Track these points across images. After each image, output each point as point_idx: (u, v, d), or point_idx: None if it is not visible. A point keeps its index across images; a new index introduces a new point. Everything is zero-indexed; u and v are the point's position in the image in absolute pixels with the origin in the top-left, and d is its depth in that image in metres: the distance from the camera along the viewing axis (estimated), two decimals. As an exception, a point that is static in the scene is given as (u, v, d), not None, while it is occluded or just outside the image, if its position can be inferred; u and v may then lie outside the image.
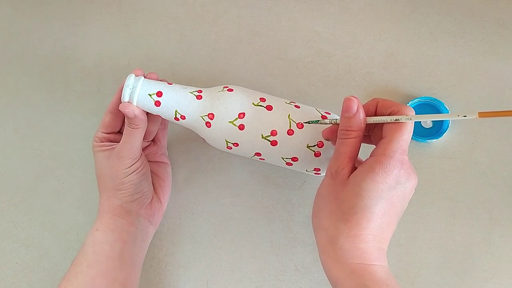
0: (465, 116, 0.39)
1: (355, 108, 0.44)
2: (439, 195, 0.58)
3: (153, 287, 0.60)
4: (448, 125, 0.58)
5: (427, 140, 0.58)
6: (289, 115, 0.50)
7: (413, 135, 0.58)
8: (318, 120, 0.49)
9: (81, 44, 0.67)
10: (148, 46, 0.66)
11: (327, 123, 0.49)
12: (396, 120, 0.42)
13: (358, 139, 0.45)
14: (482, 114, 0.37)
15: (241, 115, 0.49)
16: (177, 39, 0.66)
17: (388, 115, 0.44)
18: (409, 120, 0.42)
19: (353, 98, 0.44)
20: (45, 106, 0.66)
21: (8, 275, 0.61)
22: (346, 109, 0.44)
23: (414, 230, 0.58)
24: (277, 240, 0.60)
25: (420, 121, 0.59)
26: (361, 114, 0.44)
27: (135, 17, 0.67)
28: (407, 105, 0.44)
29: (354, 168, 0.44)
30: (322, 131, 0.49)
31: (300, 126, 0.50)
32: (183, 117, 0.51)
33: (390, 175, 0.41)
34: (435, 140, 0.58)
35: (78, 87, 0.66)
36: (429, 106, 0.59)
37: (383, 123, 0.44)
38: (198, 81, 0.64)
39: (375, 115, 0.45)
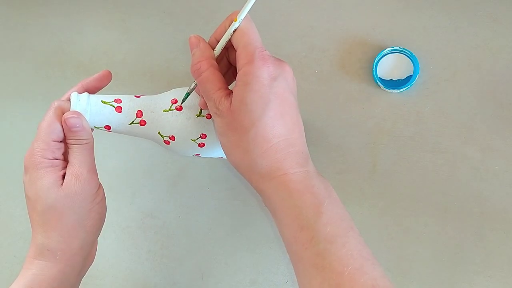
0: None
1: (195, 41, 0.43)
2: (431, 189, 0.59)
3: (149, 280, 0.61)
4: (417, 74, 0.59)
5: (400, 90, 0.59)
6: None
7: (385, 86, 0.59)
8: (187, 93, 0.47)
9: (78, 39, 0.67)
10: (143, 41, 0.66)
11: (192, 88, 0.47)
12: (233, 30, 0.42)
13: (214, 68, 0.42)
14: None
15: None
16: (173, 34, 0.66)
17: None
18: (240, 19, 0.41)
19: (192, 35, 0.43)
20: (42, 100, 0.66)
21: (5, 268, 0.62)
22: (191, 46, 0.43)
23: (406, 224, 0.59)
24: (271, 233, 0.61)
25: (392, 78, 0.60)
26: (204, 44, 0.43)
27: (131, 13, 0.67)
28: (233, 12, 0.43)
29: (228, 95, 0.42)
30: (199, 103, 0.47)
31: (179, 108, 0.48)
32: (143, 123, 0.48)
33: (262, 76, 0.39)
34: (406, 89, 0.59)
35: (74, 82, 0.66)
36: (400, 56, 0.60)
37: (229, 41, 0.43)
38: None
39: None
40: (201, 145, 0.49)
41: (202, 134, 0.48)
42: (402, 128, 0.60)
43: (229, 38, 0.42)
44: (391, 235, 0.59)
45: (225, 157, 0.52)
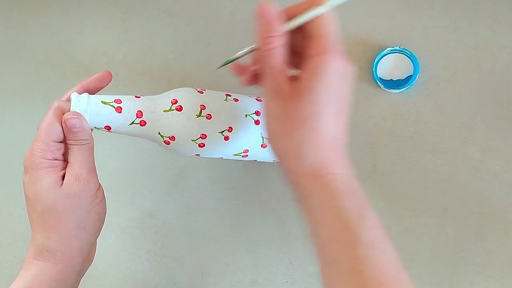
0: None
1: (267, 10, 0.39)
2: (431, 189, 0.59)
3: (149, 280, 0.61)
4: (417, 74, 0.59)
5: (400, 90, 0.59)
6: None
7: (385, 86, 0.59)
8: (231, 59, 0.45)
9: (78, 39, 0.67)
10: (143, 41, 0.66)
11: (245, 53, 0.44)
12: (316, 15, 0.39)
13: (284, 47, 0.40)
14: None
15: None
16: (173, 34, 0.66)
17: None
18: (330, 6, 0.39)
19: (266, 2, 0.40)
20: (42, 100, 0.66)
21: (5, 268, 0.62)
22: (259, 16, 0.39)
23: (406, 224, 0.59)
24: (271, 233, 0.61)
25: (392, 78, 0.60)
26: (279, 15, 0.40)
27: (131, 12, 0.67)
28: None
29: (290, 79, 0.40)
30: (231, 66, 0.45)
31: (179, 109, 0.48)
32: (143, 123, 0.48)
33: (336, 70, 0.38)
34: (406, 89, 0.59)
35: (74, 82, 0.66)
36: (400, 56, 0.60)
37: (303, 24, 0.40)
38: (194, 76, 0.65)
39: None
40: (201, 145, 0.49)
41: (202, 134, 0.48)
42: (402, 128, 0.60)
43: (306, 21, 0.39)
44: (391, 235, 0.58)
45: (225, 157, 0.53)
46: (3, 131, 0.66)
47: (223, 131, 0.49)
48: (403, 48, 0.59)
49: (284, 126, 0.40)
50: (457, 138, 0.59)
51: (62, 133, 0.44)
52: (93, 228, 0.45)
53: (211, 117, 0.48)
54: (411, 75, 0.59)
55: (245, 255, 0.61)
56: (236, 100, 0.51)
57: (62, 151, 0.45)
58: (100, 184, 0.46)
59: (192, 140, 0.48)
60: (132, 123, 0.47)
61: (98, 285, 0.62)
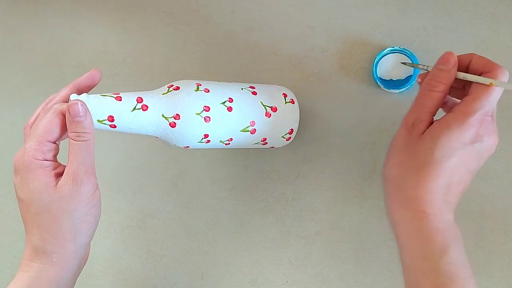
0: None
1: (452, 62, 0.43)
2: (431, 189, 0.59)
3: (149, 280, 0.61)
4: (417, 74, 0.59)
5: (400, 90, 0.59)
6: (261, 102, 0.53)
7: (385, 86, 0.59)
8: (413, 64, 0.51)
9: (77, 39, 0.67)
10: (143, 41, 0.66)
11: (421, 68, 0.49)
12: (488, 82, 0.41)
13: (443, 94, 0.43)
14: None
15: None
16: (172, 34, 0.66)
17: (480, 75, 0.43)
18: (502, 85, 0.41)
19: (453, 53, 0.43)
20: (41, 101, 0.66)
21: (6, 268, 0.62)
22: (442, 61, 0.43)
23: (406, 224, 0.59)
24: (271, 233, 0.61)
25: (392, 78, 0.60)
26: (454, 70, 0.43)
27: (131, 13, 0.67)
28: (501, 67, 0.43)
29: (431, 123, 0.43)
30: (418, 75, 0.48)
31: (177, 88, 0.49)
32: (144, 107, 0.47)
33: (466, 133, 0.41)
34: (406, 89, 0.59)
35: (74, 82, 0.66)
36: (400, 56, 0.60)
37: (472, 81, 0.43)
38: (193, 76, 0.65)
39: (466, 71, 0.44)
40: (207, 120, 0.49)
41: (205, 106, 0.49)
42: (402, 128, 0.60)
43: (474, 81, 0.42)
44: (391, 235, 0.59)
45: (234, 137, 0.52)
46: (3, 131, 0.66)
47: (225, 102, 0.50)
48: (403, 48, 0.59)
49: (400, 157, 0.44)
50: (457, 138, 0.59)
51: (59, 132, 0.44)
52: (88, 230, 0.45)
53: (209, 91, 0.50)
54: (411, 75, 0.59)
55: (245, 255, 0.61)
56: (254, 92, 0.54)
57: (53, 152, 0.44)
58: (97, 185, 0.45)
59: (197, 114, 0.48)
60: (134, 108, 0.47)
61: (98, 285, 0.62)
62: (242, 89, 0.53)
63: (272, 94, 0.55)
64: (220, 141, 0.52)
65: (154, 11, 0.67)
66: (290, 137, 0.56)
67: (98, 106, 0.45)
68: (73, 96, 0.45)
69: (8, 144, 0.66)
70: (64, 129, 0.44)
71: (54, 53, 0.67)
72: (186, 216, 0.62)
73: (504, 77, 0.42)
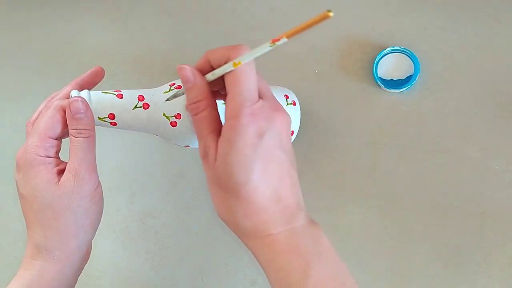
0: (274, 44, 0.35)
1: (190, 75, 0.39)
2: (431, 189, 0.59)
3: (149, 280, 0.61)
4: (418, 74, 0.59)
5: (400, 90, 0.59)
6: None
7: (385, 86, 0.59)
8: (175, 95, 0.46)
9: (78, 39, 0.67)
10: (143, 41, 0.66)
11: (180, 94, 0.45)
12: (232, 66, 0.37)
13: (210, 108, 0.39)
14: (288, 35, 0.34)
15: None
16: (172, 34, 0.66)
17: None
18: (241, 62, 0.36)
19: (184, 66, 0.39)
20: (42, 100, 0.66)
21: (5, 269, 0.62)
22: (183, 80, 0.39)
23: (406, 224, 0.59)
24: (271, 233, 0.61)
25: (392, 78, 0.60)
26: (200, 79, 0.39)
27: (131, 12, 0.67)
28: (241, 44, 0.38)
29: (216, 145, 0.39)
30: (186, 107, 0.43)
31: (178, 87, 0.47)
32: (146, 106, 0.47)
33: (248, 135, 0.36)
34: (407, 89, 0.59)
35: (74, 82, 0.66)
36: (401, 56, 0.60)
37: (223, 74, 0.38)
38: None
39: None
40: None
41: None
42: (403, 128, 0.60)
43: (221, 74, 0.38)
44: (391, 235, 0.59)
45: None
46: (3, 131, 0.66)
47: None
48: (404, 48, 0.59)
49: (216, 195, 0.39)
50: (457, 138, 0.59)
51: (61, 128, 0.43)
52: (91, 227, 0.44)
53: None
54: (411, 75, 0.59)
55: (245, 255, 0.61)
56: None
57: (56, 149, 0.44)
58: (99, 182, 0.45)
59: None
60: (135, 107, 0.46)
61: (98, 285, 0.62)
62: None
63: (274, 95, 0.54)
64: None
65: (154, 11, 0.67)
66: (290, 139, 0.56)
67: (99, 103, 0.45)
68: (74, 93, 0.44)
69: (8, 143, 0.66)
70: (65, 125, 0.43)
71: (54, 53, 0.67)
72: (186, 216, 0.62)
73: (241, 50, 0.37)
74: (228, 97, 0.37)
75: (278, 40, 0.34)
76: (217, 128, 0.39)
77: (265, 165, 0.37)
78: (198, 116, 0.39)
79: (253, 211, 0.38)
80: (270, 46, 0.35)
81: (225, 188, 0.38)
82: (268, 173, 0.38)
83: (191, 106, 0.40)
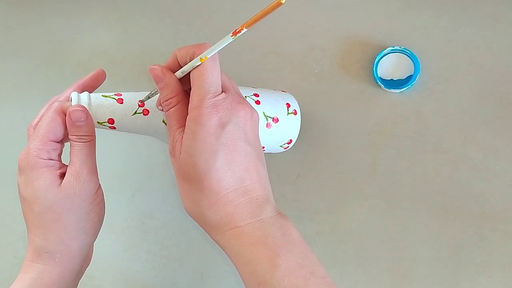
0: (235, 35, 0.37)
1: (161, 74, 0.40)
2: (431, 189, 0.59)
3: (149, 281, 0.61)
4: (418, 74, 0.59)
5: (400, 90, 0.59)
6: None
7: (385, 86, 0.59)
8: (148, 96, 0.46)
9: (77, 39, 0.67)
10: (143, 41, 0.66)
11: (153, 93, 0.45)
12: (199, 61, 0.39)
13: (181, 105, 0.40)
14: (248, 24, 0.36)
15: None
16: (172, 34, 0.66)
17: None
18: (208, 53, 0.38)
19: (155, 66, 0.41)
20: (41, 101, 0.66)
21: (5, 269, 0.62)
22: (156, 80, 0.41)
23: (406, 224, 0.59)
24: (271, 233, 0.60)
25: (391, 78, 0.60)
26: (170, 77, 0.41)
27: (130, 12, 0.67)
28: (199, 44, 0.40)
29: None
30: (139, 100, 0.46)
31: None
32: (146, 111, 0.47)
33: (209, 124, 0.37)
34: (407, 89, 0.59)
35: (74, 82, 0.66)
36: (401, 56, 0.60)
37: (190, 71, 0.40)
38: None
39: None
40: None
41: None
42: (403, 128, 0.60)
43: (190, 71, 0.40)
44: (391, 235, 0.59)
45: None
46: (3, 131, 0.66)
47: None
48: (404, 48, 0.59)
49: (182, 188, 0.40)
50: (458, 138, 0.59)
51: (62, 132, 0.44)
52: (92, 229, 0.45)
53: None
54: (411, 75, 0.59)
55: (245, 255, 0.61)
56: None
57: (58, 152, 0.44)
58: (100, 184, 0.46)
59: None
60: (135, 112, 0.46)
61: (98, 285, 0.62)
62: (246, 97, 0.51)
63: (276, 103, 0.52)
64: None
65: (154, 11, 0.67)
66: (288, 146, 0.55)
67: (98, 108, 0.45)
68: (74, 95, 0.45)
69: (7, 144, 0.66)
70: (66, 128, 0.44)
71: (54, 53, 0.67)
72: (186, 216, 0.62)
73: (205, 46, 0.39)
74: (192, 91, 0.39)
75: (239, 31, 0.37)
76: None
77: (229, 154, 0.38)
78: (168, 112, 0.41)
79: (218, 202, 0.38)
80: (232, 38, 0.38)
81: (189, 179, 0.38)
82: (232, 163, 0.38)
83: (163, 104, 0.41)
